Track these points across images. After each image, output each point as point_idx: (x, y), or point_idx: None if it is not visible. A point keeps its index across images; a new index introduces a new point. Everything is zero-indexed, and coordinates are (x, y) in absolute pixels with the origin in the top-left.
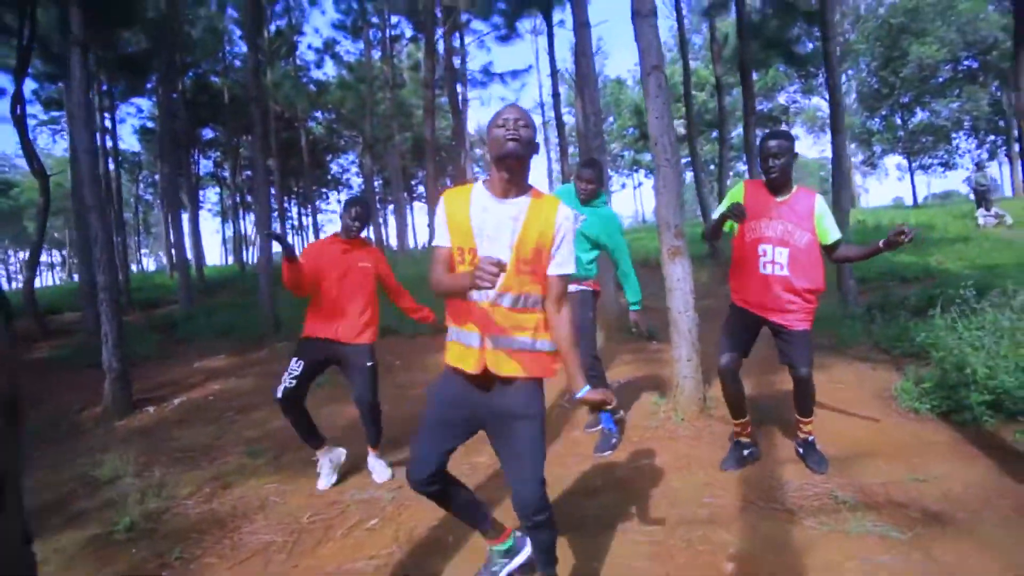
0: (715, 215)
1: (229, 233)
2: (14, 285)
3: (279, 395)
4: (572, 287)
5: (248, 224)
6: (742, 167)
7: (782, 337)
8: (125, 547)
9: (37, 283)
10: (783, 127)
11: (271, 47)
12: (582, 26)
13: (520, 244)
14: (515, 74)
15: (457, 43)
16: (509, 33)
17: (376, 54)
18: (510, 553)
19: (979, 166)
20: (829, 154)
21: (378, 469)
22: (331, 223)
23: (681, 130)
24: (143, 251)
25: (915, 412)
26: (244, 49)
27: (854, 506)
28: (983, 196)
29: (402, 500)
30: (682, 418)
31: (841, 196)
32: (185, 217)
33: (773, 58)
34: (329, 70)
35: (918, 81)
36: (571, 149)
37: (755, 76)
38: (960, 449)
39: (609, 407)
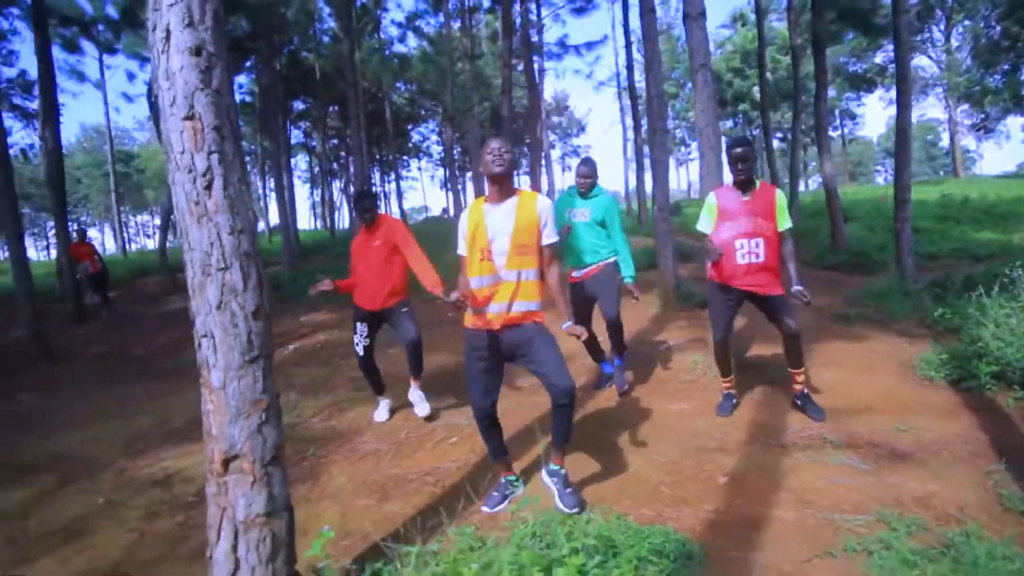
0: (702, 224)
1: (317, 198)
2: (147, 244)
3: (361, 353)
4: (601, 264)
5: (336, 190)
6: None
7: (766, 304)
8: None
9: (144, 248)
10: (879, 88)
11: (358, 24)
12: (648, 12)
13: (516, 232)
14: (590, 46)
15: (534, 16)
16: (585, 4)
17: (455, 25)
18: (515, 484)
19: None
20: (930, 116)
21: (421, 403)
22: (412, 190)
23: (756, 96)
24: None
25: (930, 380)
26: (331, 25)
27: (837, 445)
28: None
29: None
30: (714, 375)
31: (903, 173)
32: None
33: (846, 30)
34: (411, 43)
35: None
36: (645, 120)
37: (849, 36)
38: (954, 411)
39: (581, 338)
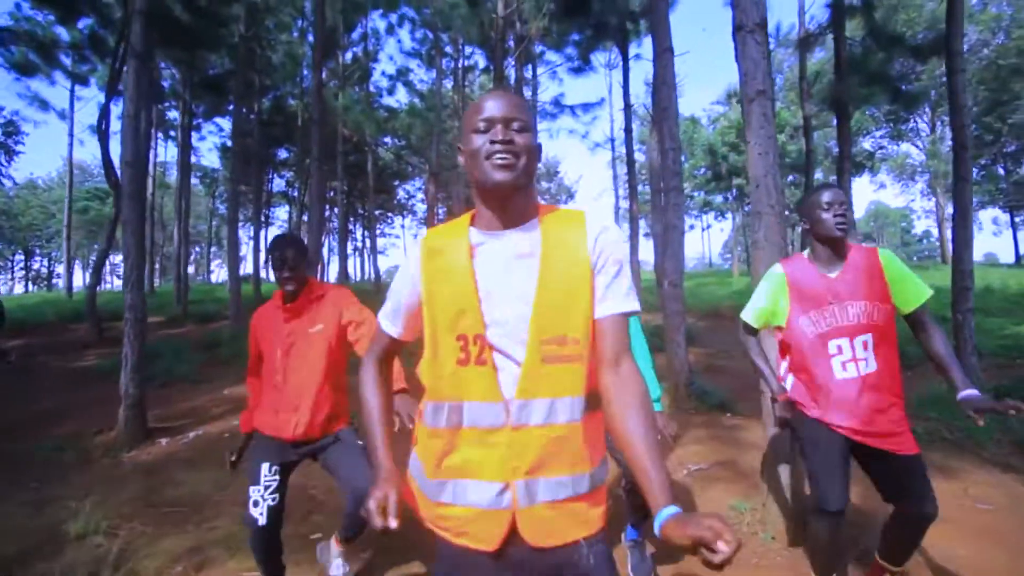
0: (754, 308)
1: None
2: (118, 284)
3: (261, 521)
4: None
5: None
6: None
7: (888, 464)
8: None
9: (112, 289)
10: (867, 174)
11: (345, 72)
12: (664, 52)
13: (540, 300)
14: (586, 107)
15: (529, 74)
16: (582, 65)
17: (448, 83)
18: None
19: None
20: (919, 204)
21: (336, 568)
22: (394, 247)
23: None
24: (216, 263)
25: None
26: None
27: None
28: None
29: None
30: (772, 536)
31: (963, 256)
32: (250, 232)
33: (877, 95)
34: (401, 96)
35: None
36: (640, 188)
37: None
38: None
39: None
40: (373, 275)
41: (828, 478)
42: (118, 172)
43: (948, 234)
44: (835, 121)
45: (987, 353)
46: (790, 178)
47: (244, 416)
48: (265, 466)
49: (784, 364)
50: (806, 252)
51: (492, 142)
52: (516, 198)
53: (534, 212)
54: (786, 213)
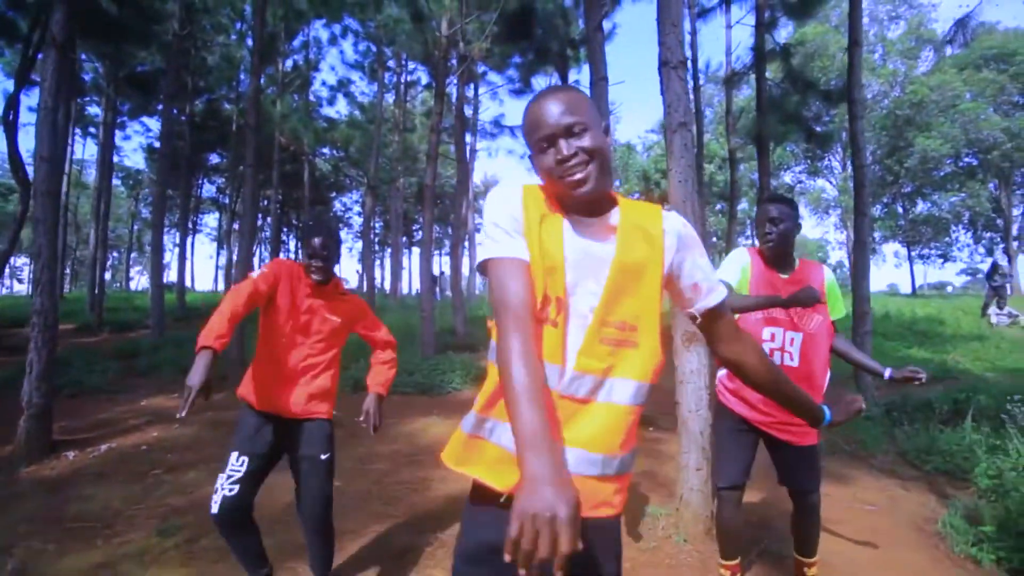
0: (729, 273)
1: (222, 260)
2: (16, 288)
3: (215, 511)
4: None
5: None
6: (745, 241)
7: (786, 452)
8: None
9: (16, 291)
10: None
11: (284, 79)
12: (600, 80)
13: (610, 285)
14: None
15: (471, 93)
16: (524, 87)
17: (390, 97)
18: None
19: (995, 264)
20: (832, 236)
21: None
22: None
23: None
24: (136, 268)
25: (974, 562)
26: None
27: None
28: (999, 293)
29: None
30: (684, 539)
31: (861, 283)
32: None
33: (792, 133)
34: (341, 108)
35: (921, 172)
36: None
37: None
38: None
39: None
40: None
41: (727, 457)
42: (27, 168)
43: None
44: (756, 155)
45: None
46: (718, 206)
47: (208, 331)
48: (234, 455)
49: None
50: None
51: (560, 160)
52: (595, 199)
53: (612, 202)
54: (713, 240)
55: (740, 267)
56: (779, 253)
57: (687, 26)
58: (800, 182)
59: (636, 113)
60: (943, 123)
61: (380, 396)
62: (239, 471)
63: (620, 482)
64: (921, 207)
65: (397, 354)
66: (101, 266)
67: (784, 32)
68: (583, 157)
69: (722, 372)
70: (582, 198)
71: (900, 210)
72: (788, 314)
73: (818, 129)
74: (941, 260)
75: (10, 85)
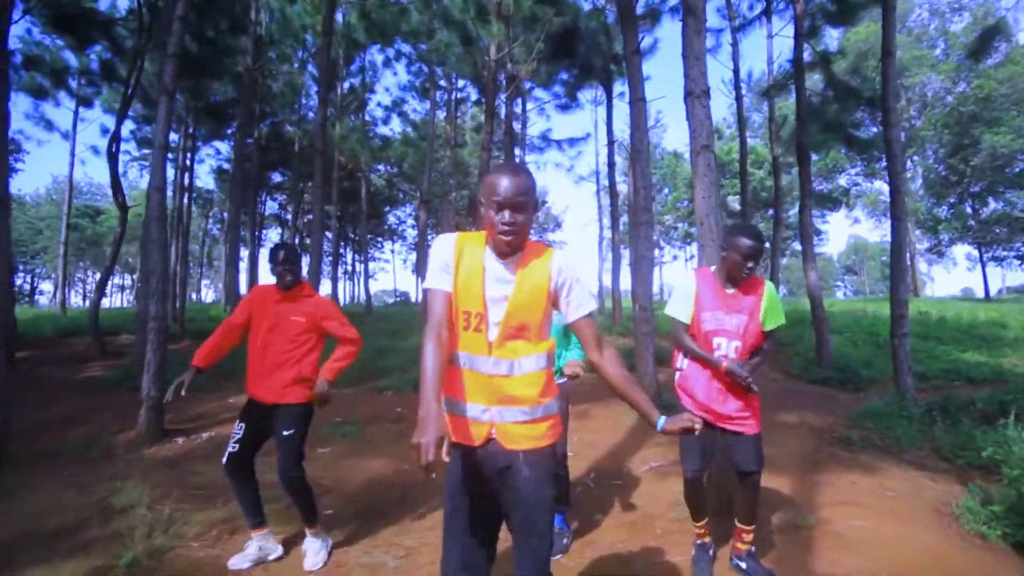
0: (672, 307)
1: None
2: (85, 303)
3: (224, 461)
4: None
5: (304, 266)
6: (796, 246)
7: (733, 440)
8: None
9: (106, 303)
10: (844, 209)
11: (343, 102)
12: (638, 101)
13: (512, 302)
14: (572, 141)
15: (519, 109)
16: (569, 103)
17: (441, 114)
18: None
19: None
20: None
21: (310, 553)
22: (383, 271)
23: (736, 206)
24: (204, 282)
25: (982, 538)
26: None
27: None
28: None
29: (405, 569)
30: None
31: (899, 287)
32: (245, 254)
33: (832, 141)
34: (395, 126)
35: (991, 170)
36: (624, 218)
37: (815, 157)
38: None
39: (697, 429)
40: (365, 298)
41: (688, 449)
42: (125, 194)
43: (921, 267)
44: (797, 162)
45: (932, 376)
46: (768, 212)
47: (198, 352)
48: (237, 423)
49: (681, 354)
50: (713, 268)
51: (503, 223)
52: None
53: (522, 248)
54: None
55: (686, 299)
56: (741, 281)
57: (728, 38)
58: (856, 184)
59: (685, 125)
60: (1015, 117)
61: (326, 380)
62: (239, 434)
63: (548, 421)
64: (993, 206)
65: (358, 350)
66: (182, 281)
67: (834, 34)
68: (517, 227)
69: (678, 375)
70: (506, 249)
71: (969, 210)
72: (729, 323)
73: (860, 135)
74: (1019, 262)
75: (103, 117)
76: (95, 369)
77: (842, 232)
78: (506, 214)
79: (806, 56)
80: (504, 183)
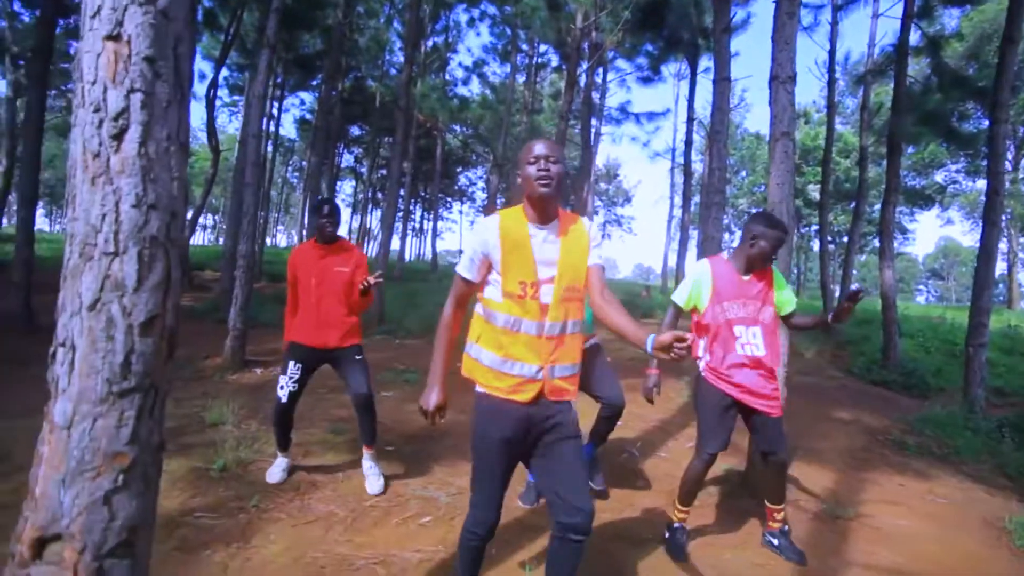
0: (684, 293)
1: (355, 224)
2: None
3: (284, 399)
4: (588, 341)
5: (374, 219)
6: (876, 243)
7: (759, 421)
8: (216, 484)
9: (192, 241)
10: (936, 208)
11: (425, 60)
12: (723, 80)
13: (561, 264)
14: (651, 116)
15: (599, 78)
16: (652, 75)
17: (520, 78)
18: None
19: None
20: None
21: (372, 477)
22: (450, 231)
23: (815, 196)
24: (279, 227)
25: None
26: (401, 59)
27: None
28: None
29: (456, 505)
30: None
31: (982, 295)
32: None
33: (928, 134)
34: (474, 87)
35: None
36: (695, 198)
37: (911, 149)
38: None
39: (687, 342)
40: (431, 255)
41: (713, 428)
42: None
43: (1021, 278)
44: (887, 154)
45: (1011, 392)
46: (851, 204)
47: (289, 329)
48: (291, 363)
49: (703, 342)
50: (726, 254)
51: (539, 171)
52: (550, 204)
53: (556, 215)
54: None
55: (693, 285)
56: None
57: (827, 15)
58: (955, 182)
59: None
60: None
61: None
62: (297, 374)
63: (576, 379)
64: None
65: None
66: (264, 225)
67: (954, 12)
68: (552, 174)
69: (705, 358)
70: (544, 195)
71: None
72: (747, 311)
73: (962, 129)
74: None
75: (200, 63)
76: (184, 300)
77: (931, 233)
78: (541, 163)
79: (914, 39)
80: (537, 144)
